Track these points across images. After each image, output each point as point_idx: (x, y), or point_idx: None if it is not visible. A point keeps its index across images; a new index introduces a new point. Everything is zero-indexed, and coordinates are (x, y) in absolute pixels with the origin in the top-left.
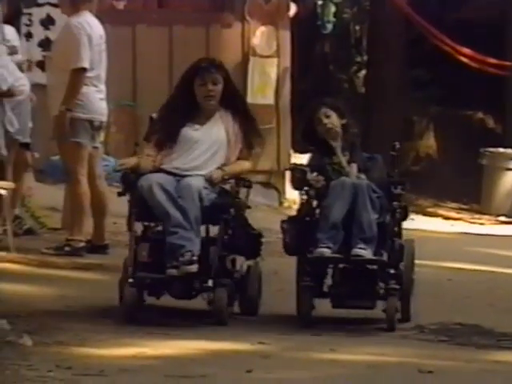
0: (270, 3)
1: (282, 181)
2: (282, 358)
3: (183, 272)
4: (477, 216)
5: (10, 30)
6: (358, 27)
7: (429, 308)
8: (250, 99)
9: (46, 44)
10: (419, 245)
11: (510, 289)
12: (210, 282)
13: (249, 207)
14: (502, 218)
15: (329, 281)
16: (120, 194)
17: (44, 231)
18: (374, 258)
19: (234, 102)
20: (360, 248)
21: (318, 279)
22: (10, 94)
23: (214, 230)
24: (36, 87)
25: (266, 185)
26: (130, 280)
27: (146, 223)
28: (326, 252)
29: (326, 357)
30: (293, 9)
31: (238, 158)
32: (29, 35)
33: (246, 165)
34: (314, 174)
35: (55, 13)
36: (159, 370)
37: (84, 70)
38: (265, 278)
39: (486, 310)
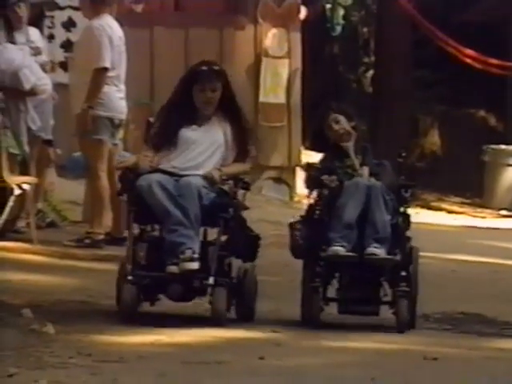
0: (282, 6)
1: (292, 176)
2: (293, 345)
3: (184, 269)
4: (479, 210)
5: (34, 32)
6: (365, 29)
7: (433, 298)
8: (262, 98)
9: (67, 45)
10: (424, 237)
11: (511, 279)
12: (211, 280)
13: (247, 208)
14: (504, 212)
15: (333, 287)
16: (118, 194)
17: (65, 224)
18: (388, 257)
19: (231, 107)
20: (374, 247)
21: (325, 282)
22: (32, 93)
23: (212, 234)
24: (58, 86)
25: (278, 180)
26: (130, 277)
27: (143, 226)
28: (341, 250)
29: (337, 345)
30: (303, 12)
31: (235, 161)
32: (51, 37)
33: (242, 166)
34: (326, 175)
35: (76, 16)
36: (176, 357)
37: (105, 69)
38: (276, 270)
39: (488, 300)
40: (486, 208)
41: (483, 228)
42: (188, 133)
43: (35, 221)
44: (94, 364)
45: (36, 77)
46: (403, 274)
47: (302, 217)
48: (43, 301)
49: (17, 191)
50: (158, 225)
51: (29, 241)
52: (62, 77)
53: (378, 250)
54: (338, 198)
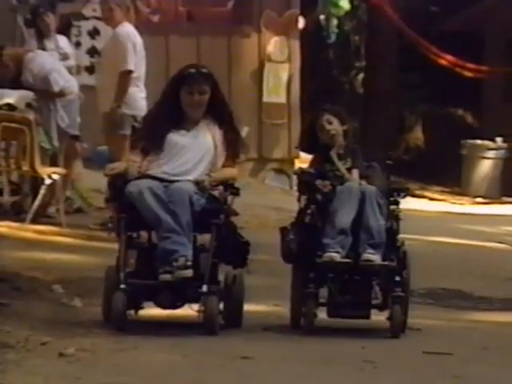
0: (283, 17)
1: (292, 168)
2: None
3: (178, 277)
4: (457, 197)
5: (62, 39)
6: (357, 37)
7: (418, 276)
8: (265, 98)
9: (92, 51)
10: (408, 222)
11: (486, 259)
12: (205, 288)
13: (237, 214)
14: (479, 199)
15: (322, 292)
16: (107, 201)
17: (91, 210)
18: (384, 263)
19: (221, 111)
20: (369, 253)
21: (318, 287)
22: (61, 94)
23: (201, 239)
24: (84, 88)
25: (279, 171)
26: (123, 286)
27: (129, 233)
28: (336, 256)
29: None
30: (301, 22)
31: (223, 166)
32: (78, 44)
33: (231, 172)
34: (319, 180)
35: (100, 25)
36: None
37: (130, 72)
38: (277, 250)
39: (465, 277)
40: (464, 196)
41: (461, 213)
42: (177, 137)
43: (64, 207)
44: (116, 333)
45: (64, 79)
46: (397, 279)
47: (292, 222)
48: (71, 277)
49: (48, 181)
50: (146, 232)
51: (58, 224)
52: (88, 79)
53: (374, 256)
54: (331, 202)
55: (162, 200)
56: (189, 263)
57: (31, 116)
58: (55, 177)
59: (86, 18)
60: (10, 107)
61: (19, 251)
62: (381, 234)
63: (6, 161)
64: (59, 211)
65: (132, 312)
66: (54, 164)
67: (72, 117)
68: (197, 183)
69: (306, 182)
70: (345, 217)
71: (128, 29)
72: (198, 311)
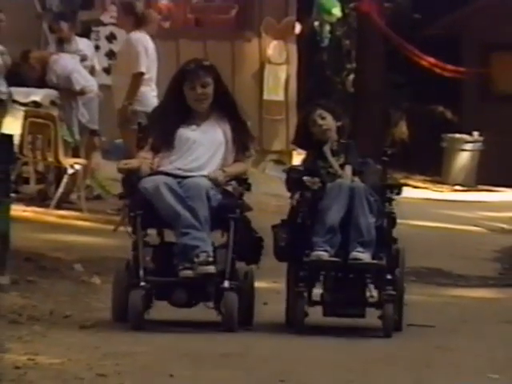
0: (281, 23)
1: (289, 159)
2: None
3: (200, 273)
4: (438, 185)
5: (83, 42)
6: (347, 41)
7: None
8: (265, 96)
9: (110, 54)
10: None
11: (464, 241)
12: (227, 284)
13: (251, 209)
14: (458, 187)
15: (318, 290)
16: (121, 197)
17: (108, 197)
18: (373, 261)
19: (226, 103)
20: (358, 251)
21: (310, 286)
22: (82, 92)
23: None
24: (102, 87)
25: (278, 162)
26: (142, 283)
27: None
28: (324, 255)
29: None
30: (298, 27)
31: (235, 161)
32: (97, 47)
33: (243, 166)
34: (309, 177)
35: (117, 30)
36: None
37: (142, 73)
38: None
39: (445, 257)
40: (444, 184)
41: (441, 200)
42: (187, 133)
43: (84, 194)
44: None
45: (85, 80)
46: (389, 277)
47: (284, 220)
48: (91, 257)
49: (70, 170)
50: (156, 230)
51: (79, 210)
52: (105, 79)
53: (363, 255)
54: (321, 200)
55: (179, 196)
56: (210, 259)
57: (55, 112)
58: (77, 167)
59: (104, 24)
60: (36, 104)
61: (44, 234)
62: (370, 231)
63: (32, 152)
64: (80, 198)
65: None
66: (75, 155)
67: (92, 113)
68: (211, 178)
69: (293, 179)
70: (334, 214)
71: (140, 35)
72: (215, 308)
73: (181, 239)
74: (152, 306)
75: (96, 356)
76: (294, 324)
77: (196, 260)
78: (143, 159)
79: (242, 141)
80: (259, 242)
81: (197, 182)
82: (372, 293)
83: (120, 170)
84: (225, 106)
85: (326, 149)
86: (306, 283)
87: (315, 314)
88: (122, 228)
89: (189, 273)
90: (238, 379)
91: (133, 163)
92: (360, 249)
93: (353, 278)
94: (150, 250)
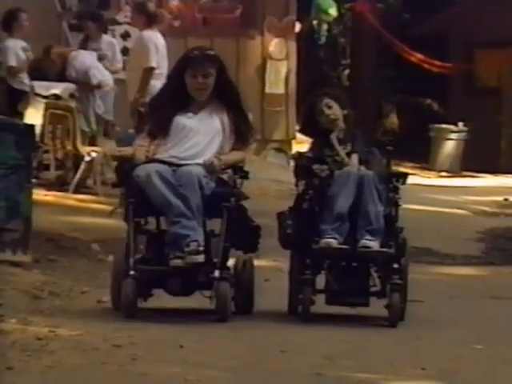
0: (282, 22)
1: (289, 146)
2: None
3: (189, 262)
4: (426, 172)
5: (107, 41)
6: (343, 39)
7: None
8: (267, 90)
9: (124, 51)
10: None
11: (450, 222)
12: (217, 273)
13: (247, 197)
14: (444, 174)
15: (320, 278)
16: (114, 186)
17: None
18: (383, 249)
19: (228, 93)
20: (367, 239)
21: (317, 273)
22: (98, 86)
23: (210, 225)
24: (117, 81)
25: (278, 150)
26: (132, 272)
27: (137, 219)
28: (333, 243)
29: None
30: (298, 26)
31: (232, 149)
32: None
33: (240, 155)
34: (317, 164)
35: (130, 29)
36: None
37: (152, 68)
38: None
39: (433, 238)
40: (431, 170)
41: (429, 185)
42: (184, 120)
43: (100, 179)
44: None
45: (101, 74)
46: (395, 266)
47: (291, 207)
48: (107, 238)
49: (87, 158)
50: (154, 217)
51: (96, 194)
52: (120, 74)
53: (372, 243)
54: (329, 188)
55: (170, 184)
56: (200, 248)
57: (73, 104)
58: (93, 154)
59: (119, 23)
60: (56, 97)
61: (63, 216)
62: (379, 220)
63: (52, 141)
64: (96, 183)
65: (141, 299)
66: (92, 144)
67: (107, 105)
68: (206, 165)
69: (302, 166)
70: (342, 202)
71: (151, 32)
72: (210, 297)
73: (172, 228)
74: (152, 294)
75: (111, 328)
76: (299, 312)
77: (186, 249)
78: (138, 147)
79: (241, 131)
80: (256, 231)
81: (189, 169)
82: (375, 282)
83: (114, 158)
84: (226, 96)
85: (333, 137)
86: (313, 271)
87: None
88: (118, 211)
89: (178, 262)
90: (245, 351)
91: (126, 151)
92: (369, 237)
93: (357, 267)
94: (144, 238)
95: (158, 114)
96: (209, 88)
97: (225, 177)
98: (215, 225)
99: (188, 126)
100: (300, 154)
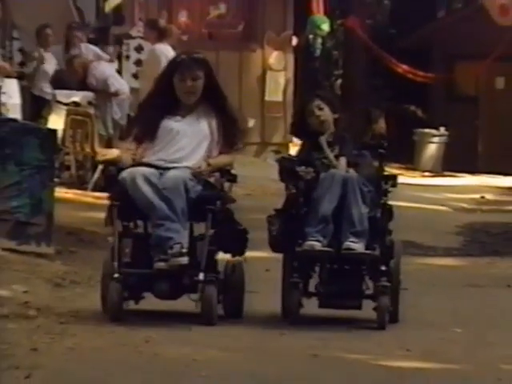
0: (280, 36)
1: (287, 149)
2: None
3: (173, 265)
4: (411, 172)
5: (88, 48)
6: (336, 52)
7: None
8: (267, 98)
9: (137, 62)
10: None
11: (432, 218)
12: (201, 276)
13: (234, 201)
14: (427, 173)
15: (314, 281)
16: (103, 190)
17: None
18: (366, 251)
19: (216, 97)
20: (351, 242)
21: (306, 276)
22: (116, 94)
23: (198, 229)
24: (132, 90)
25: (277, 152)
26: (116, 275)
27: (126, 223)
28: (316, 245)
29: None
30: (295, 40)
31: (220, 153)
32: (127, 57)
33: (228, 159)
34: (303, 167)
35: (143, 43)
36: None
37: None
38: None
39: (417, 232)
40: (415, 170)
41: (413, 184)
42: (171, 124)
43: None
44: None
45: (119, 83)
46: (383, 268)
47: (278, 210)
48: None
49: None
50: (141, 221)
51: None
52: (134, 83)
53: (355, 245)
54: (314, 190)
55: (155, 186)
56: (184, 250)
57: (92, 111)
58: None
59: (133, 37)
60: (76, 104)
61: (83, 212)
62: (362, 222)
63: (73, 144)
64: None
65: (131, 302)
66: (109, 147)
67: (123, 111)
68: (193, 170)
69: (286, 168)
70: (326, 204)
71: (162, 46)
72: (196, 301)
73: (155, 231)
74: (143, 297)
75: (127, 312)
76: (288, 315)
77: (170, 251)
78: (125, 150)
79: (229, 135)
80: (243, 234)
81: (175, 173)
82: (368, 285)
83: (100, 161)
84: (214, 100)
85: (322, 140)
86: (301, 274)
87: (312, 305)
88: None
89: (162, 265)
90: (250, 334)
91: (112, 153)
92: (353, 239)
93: (349, 270)
94: (129, 242)
95: (146, 118)
96: (197, 91)
97: (212, 180)
98: (204, 229)
99: (175, 130)
100: (283, 157)
